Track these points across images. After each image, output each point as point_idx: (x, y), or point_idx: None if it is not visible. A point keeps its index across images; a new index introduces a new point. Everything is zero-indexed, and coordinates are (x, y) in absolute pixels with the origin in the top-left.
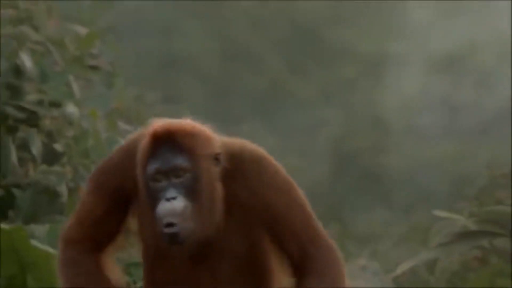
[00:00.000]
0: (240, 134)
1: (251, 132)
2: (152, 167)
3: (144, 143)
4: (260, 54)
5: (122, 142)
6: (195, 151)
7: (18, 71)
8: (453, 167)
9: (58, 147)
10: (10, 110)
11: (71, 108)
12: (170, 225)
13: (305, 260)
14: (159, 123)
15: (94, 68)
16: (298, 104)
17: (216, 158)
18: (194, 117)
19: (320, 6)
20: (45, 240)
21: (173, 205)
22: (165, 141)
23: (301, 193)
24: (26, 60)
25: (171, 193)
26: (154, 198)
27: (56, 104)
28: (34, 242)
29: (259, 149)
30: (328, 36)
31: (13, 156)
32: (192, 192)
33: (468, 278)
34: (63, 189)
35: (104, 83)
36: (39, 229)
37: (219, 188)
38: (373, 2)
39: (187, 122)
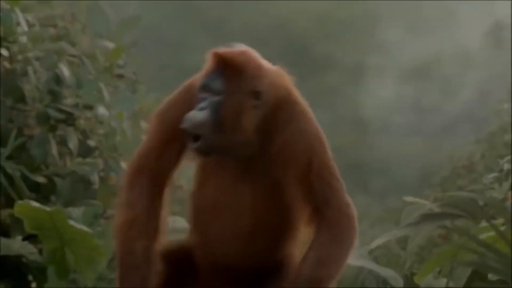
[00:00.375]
0: None
1: None
2: (200, 82)
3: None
4: None
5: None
6: (232, 80)
7: (58, 79)
8: (421, 160)
9: (91, 142)
10: (51, 112)
11: (101, 110)
12: (192, 132)
13: (323, 211)
14: (225, 49)
15: (120, 76)
16: None
17: (255, 94)
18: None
19: (310, 25)
20: (80, 220)
21: (196, 113)
22: (217, 65)
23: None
24: (65, 71)
25: (201, 105)
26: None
27: (89, 107)
28: (71, 222)
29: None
30: (315, 50)
31: (54, 150)
32: (218, 111)
33: (433, 252)
34: (95, 178)
35: (129, 89)
36: (75, 211)
37: (249, 118)
38: (355, 21)
39: (247, 56)
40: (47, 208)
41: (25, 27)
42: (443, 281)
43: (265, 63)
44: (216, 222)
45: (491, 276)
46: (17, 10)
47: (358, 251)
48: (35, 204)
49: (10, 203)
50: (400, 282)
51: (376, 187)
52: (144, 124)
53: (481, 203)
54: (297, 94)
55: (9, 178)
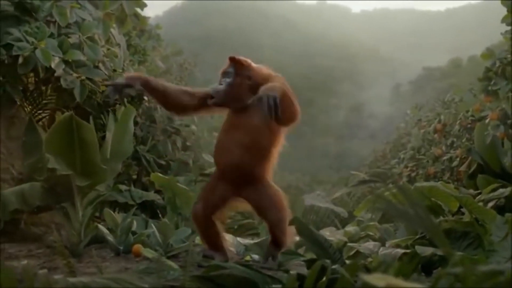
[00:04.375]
0: None
1: None
2: (221, 72)
3: None
4: None
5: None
6: (238, 69)
7: None
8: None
9: (188, 143)
10: (168, 128)
11: (193, 127)
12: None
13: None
14: (233, 56)
15: None
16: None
17: (248, 77)
18: None
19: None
20: (183, 183)
21: (219, 86)
22: (230, 63)
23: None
24: None
25: (221, 81)
26: None
27: (187, 125)
28: (178, 184)
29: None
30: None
31: (169, 148)
32: (231, 85)
33: (364, 200)
34: (190, 162)
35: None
36: (181, 178)
37: (245, 91)
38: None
39: (244, 59)
40: (166, 177)
41: None
42: (369, 215)
43: (254, 63)
44: (226, 140)
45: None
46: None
47: (324, 199)
48: (160, 174)
49: (148, 174)
50: (346, 214)
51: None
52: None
53: (388, 174)
54: (273, 75)
55: (148, 161)
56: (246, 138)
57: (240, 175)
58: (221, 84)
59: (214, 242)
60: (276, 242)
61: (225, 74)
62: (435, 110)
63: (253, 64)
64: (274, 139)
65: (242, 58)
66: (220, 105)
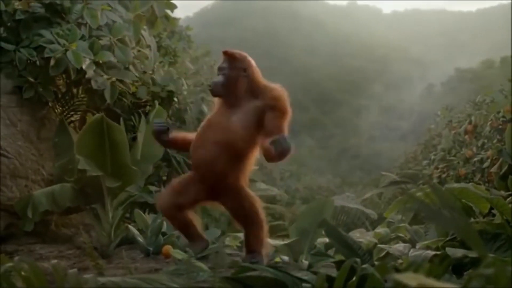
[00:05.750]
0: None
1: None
2: (219, 66)
3: None
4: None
5: None
6: (232, 63)
7: (201, 112)
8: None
9: None
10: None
11: None
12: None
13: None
14: (230, 50)
15: None
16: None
17: (244, 70)
18: None
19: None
20: None
21: (216, 79)
22: (225, 56)
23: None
24: (204, 108)
25: (218, 75)
26: None
27: None
28: None
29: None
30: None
31: None
32: (226, 78)
33: (395, 201)
34: None
35: None
36: None
37: (241, 84)
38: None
39: (239, 52)
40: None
41: (185, 86)
42: (399, 217)
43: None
44: (203, 136)
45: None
46: (182, 79)
47: (354, 201)
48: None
49: (178, 175)
50: (376, 216)
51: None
52: None
53: (419, 176)
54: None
55: (178, 162)
56: (222, 137)
57: (212, 175)
58: (218, 77)
59: (188, 232)
60: (251, 250)
61: (220, 69)
62: (466, 111)
63: (250, 58)
64: (251, 146)
65: (236, 51)
66: (217, 96)
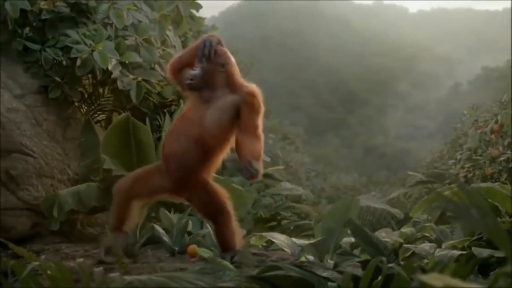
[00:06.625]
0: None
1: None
2: (197, 58)
3: None
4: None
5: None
6: (213, 57)
7: None
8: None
9: None
10: None
11: None
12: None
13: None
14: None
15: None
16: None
17: (222, 65)
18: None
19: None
20: (237, 183)
21: (192, 71)
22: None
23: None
24: None
25: (195, 68)
26: None
27: None
28: (233, 184)
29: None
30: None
31: None
32: (204, 71)
33: (421, 200)
34: None
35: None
36: (235, 179)
37: (217, 78)
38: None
39: (222, 49)
40: (221, 177)
41: None
42: (425, 216)
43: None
44: (176, 129)
45: (448, 213)
46: None
47: (380, 200)
48: (215, 175)
49: None
50: (402, 215)
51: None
52: (271, 135)
53: (445, 175)
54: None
55: None
56: (194, 131)
57: (182, 168)
58: (195, 70)
59: (120, 222)
60: (225, 245)
61: (199, 60)
62: (492, 111)
63: (229, 54)
64: (223, 142)
65: (218, 47)
66: (195, 89)
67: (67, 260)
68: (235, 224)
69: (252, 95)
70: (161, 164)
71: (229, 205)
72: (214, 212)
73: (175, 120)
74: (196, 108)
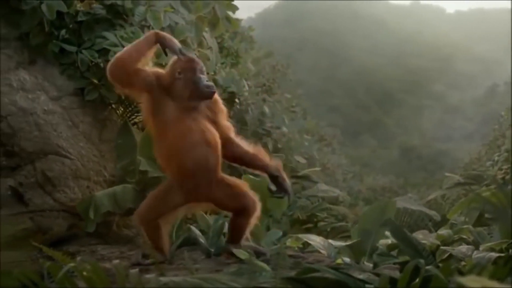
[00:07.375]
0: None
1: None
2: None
3: None
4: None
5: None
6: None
7: (263, 113)
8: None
9: (279, 145)
10: (259, 130)
11: (284, 129)
12: None
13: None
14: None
15: (293, 111)
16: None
17: (179, 72)
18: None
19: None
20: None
21: (206, 80)
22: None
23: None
24: (266, 109)
25: (203, 77)
26: None
27: (278, 127)
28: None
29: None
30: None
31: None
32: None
33: (458, 202)
34: (282, 164)
35: (301, 117)
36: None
37: (177, 84)
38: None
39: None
40: (257, 179)
41: (246, 87)
42: (463, 218)
43: None
44: (191, 142)
45: (487, 215)
46: (243, 80)
47: (416, 202)
48: (252, 177)
49: (239, 176)
50: (439, 217)
51: (432, 169)
52: (307, 137)
53: (483, 177)
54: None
55: None
56: (208, 137)
57: (207, 173)
58: (206, 78)
59: (158, 243)
60: (235, 237)
61: (202, 71)
62: None
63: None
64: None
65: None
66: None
67: (103, 261)
68: (254, 218)
69: (217, 101)
70: (169, 183)
71: (252, 193)
72: (242, 199)
73: (172, 137)
74: (191, 118)
